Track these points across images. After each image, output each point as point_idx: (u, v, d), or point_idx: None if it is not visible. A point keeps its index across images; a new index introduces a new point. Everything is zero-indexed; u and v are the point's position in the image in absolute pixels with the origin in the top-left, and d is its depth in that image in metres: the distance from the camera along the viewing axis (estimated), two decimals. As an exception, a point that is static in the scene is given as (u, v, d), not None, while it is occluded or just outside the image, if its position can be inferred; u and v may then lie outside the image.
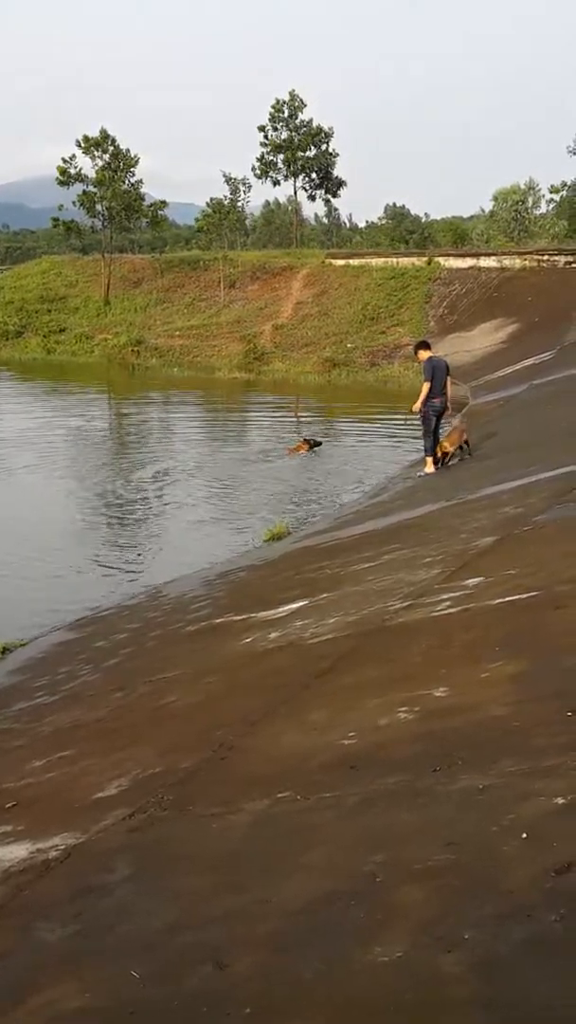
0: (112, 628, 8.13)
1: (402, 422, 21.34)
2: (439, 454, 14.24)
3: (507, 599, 5.00)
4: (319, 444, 18.60)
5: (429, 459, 14.11)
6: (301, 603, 6.75)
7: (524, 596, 4.95)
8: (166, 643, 7.07)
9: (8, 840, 3.53)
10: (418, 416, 14.39)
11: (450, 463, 14.19)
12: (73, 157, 47.71)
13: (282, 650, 5.52)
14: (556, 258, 36.94)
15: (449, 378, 14.41)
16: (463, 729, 3.32)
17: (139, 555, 11.43)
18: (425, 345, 14.96)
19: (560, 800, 2.55)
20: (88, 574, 10.52)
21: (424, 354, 14.54)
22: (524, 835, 2.43)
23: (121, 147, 48.34)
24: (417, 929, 2.19)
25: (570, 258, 36.53)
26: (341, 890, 2.43)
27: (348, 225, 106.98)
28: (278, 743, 3.79)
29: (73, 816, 3.62)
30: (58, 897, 2.94)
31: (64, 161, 47.57)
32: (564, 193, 71.89)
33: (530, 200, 71.46)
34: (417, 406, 14.19)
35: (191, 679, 5.57)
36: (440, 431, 14.46)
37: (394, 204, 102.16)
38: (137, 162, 48.73)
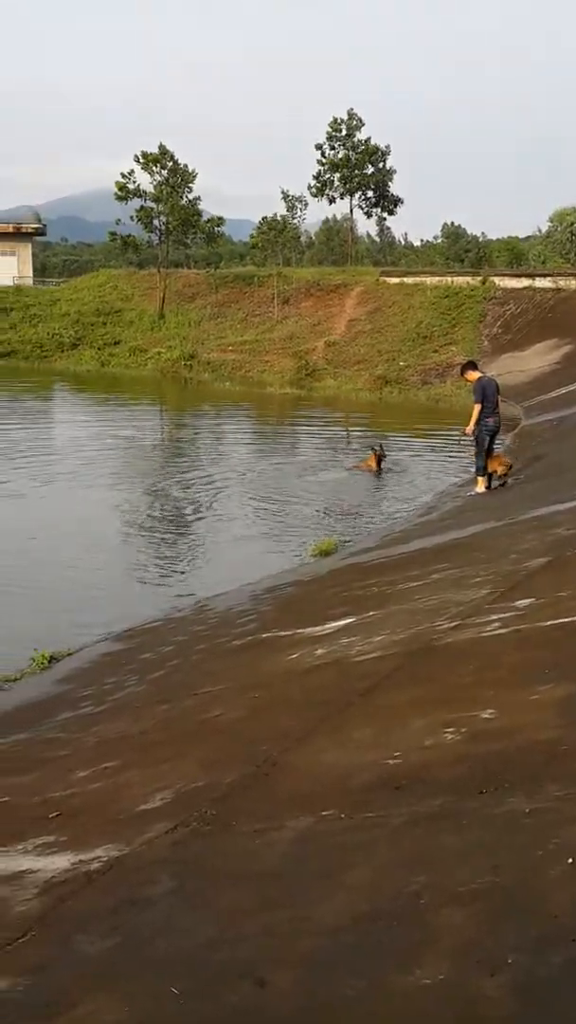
0: (158, 640, 8.16)
1: (449, 440, 21.26)
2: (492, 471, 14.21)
3: (558, 621, 4.94)
4: (384, 457, 18.10)
5: (480, 479, 14.03)
6: (348, 620, 6.72)
7: (575, 619, 4.89)
8: (212, 656, 7.07)
9: (51, 850, 3.54)
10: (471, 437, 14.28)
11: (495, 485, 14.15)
12: (132, 172, 48.28)
13: (328, 667, 5.50)
14: (613, 279, 36.68)
15: (499, 396, 14.34)
16: (510, 752, 3.28)
17: (187, 567, 11.47)
18: (472, 366, 14.87)
19: (608, 827, 2.51)
20: (136, 585, 10.57)
21: (473, 375, 14.44)
22: (570, 860, 2.39)
23: (180, 162, 48.78)
24: (459, 951, 2.16)
25: (627, 279, 36.25)
26: (383, 910, 2.41)
27: (403, 243, 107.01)
28: (322, 760, 3.77)
29: (116, 828, 3.62)
30: (99, 909, 2.94)
31: (123, 176, 48.14)
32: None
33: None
34: (471, 428, 14.04)
35: (236, 693, 5.57)
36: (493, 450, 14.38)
37: (452, 223, 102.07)
38: (195, 177, 49.13)
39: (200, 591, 10.06)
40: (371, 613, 6.77)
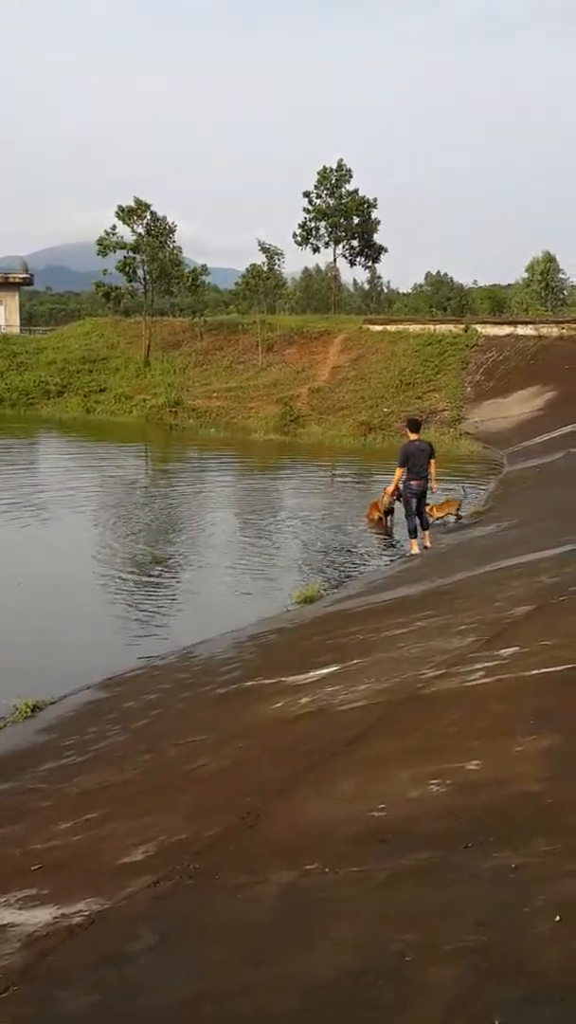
0: (142, 688, 8.11)
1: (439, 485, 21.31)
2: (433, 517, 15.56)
3: (542, 670, 4.95)
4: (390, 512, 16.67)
5: (413, 541, 14.09)
6: (332, 668, 6.71)
7: (560, 668, 4.90)
8: (195, 705, 7.03)
9: (33, 904, 3.49)
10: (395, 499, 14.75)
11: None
12: (115, 228, 48.96)
13: (312, 716, 5.48)
14: (594, 327, 37.14)
15: (433, 461, 14.57)
16: (496, 804, 3.27)
17: (170, 614, 11.42)
18: (413, 425, 14.97)
19: (595, 882, 2.50)
20: (119, 632, 10.52)
21: (409, 436, 14.71)
22: (557, 917, 2.37)
23: (158, 214, 49.59)
24: (446, 1011, 2.14)
25: (608, 327, 36.73)
26: (368, 967, 2.38)
27: (387, 291, 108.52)
28: (306, 812, 3.74)
29: (98, 881, 3.58)
30: (81, 964, 2.90)
31: (106, 233, 48.75)
32: (603, 263, 73.95)
33: (554, 269, 74.69)
34: (391, 490, 14.74)
35: (220, 743, 5.53)
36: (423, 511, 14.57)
37: (437, 272, 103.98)
38: (174, 230, 49.84)
39: (184, 638, 10.01)
40: (355, 661, 6.75)
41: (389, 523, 16.74)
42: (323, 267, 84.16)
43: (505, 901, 2.54)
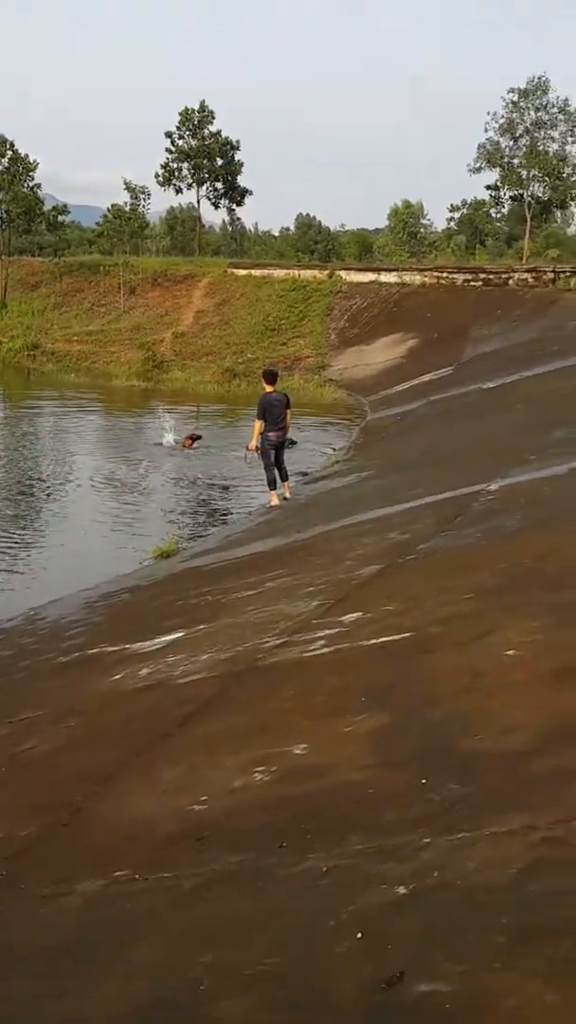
0: (-19, 655, 7.77)
1: (303, 432, 21.25)
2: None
3: (379, 640, 4.88)
4: (199, 437, 20.29)
5: (273, 492, 13.94)
6: (177, 634, 6.53)
7: (396, 637, 4.84)
8: (35, 676, 6.74)
9: None
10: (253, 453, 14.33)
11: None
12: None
13: (150, 689, 5.30)
14: (455, 276, 37.46)
15: (289, 411, 14.39)
16: (317, 796, 3.16)
17: (22, 571, 11.04)
18: (269, 377, 14.66)
19: (401, 889, 2.40)
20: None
21: (265, 388, 14.42)
22: (359, 935, 2.26)
23: (19, 152, 48.00)
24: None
25: (468, 276, 37.11)
26: (163, 997, 2.24)
27: (254, 232, 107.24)
28: (126, 806, 3.56)
29: None
30: None
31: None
32: (464, 211, 75.19)
33: (419, 218, 76.18)
34: (252, 445, 14.24)
35: (53, 721, 5.30)
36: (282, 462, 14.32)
37: (306, 214, 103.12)
38: (36, 167, 48.42)
39: (34, 597, 9.65)
40: (201, 627, 6.58)
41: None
42: (186, 207, 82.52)
43: (310, 913, 2.42)
